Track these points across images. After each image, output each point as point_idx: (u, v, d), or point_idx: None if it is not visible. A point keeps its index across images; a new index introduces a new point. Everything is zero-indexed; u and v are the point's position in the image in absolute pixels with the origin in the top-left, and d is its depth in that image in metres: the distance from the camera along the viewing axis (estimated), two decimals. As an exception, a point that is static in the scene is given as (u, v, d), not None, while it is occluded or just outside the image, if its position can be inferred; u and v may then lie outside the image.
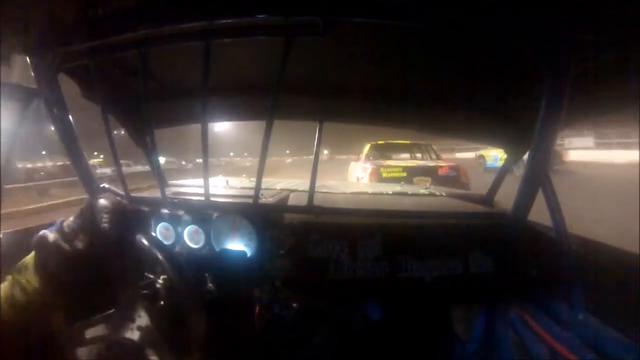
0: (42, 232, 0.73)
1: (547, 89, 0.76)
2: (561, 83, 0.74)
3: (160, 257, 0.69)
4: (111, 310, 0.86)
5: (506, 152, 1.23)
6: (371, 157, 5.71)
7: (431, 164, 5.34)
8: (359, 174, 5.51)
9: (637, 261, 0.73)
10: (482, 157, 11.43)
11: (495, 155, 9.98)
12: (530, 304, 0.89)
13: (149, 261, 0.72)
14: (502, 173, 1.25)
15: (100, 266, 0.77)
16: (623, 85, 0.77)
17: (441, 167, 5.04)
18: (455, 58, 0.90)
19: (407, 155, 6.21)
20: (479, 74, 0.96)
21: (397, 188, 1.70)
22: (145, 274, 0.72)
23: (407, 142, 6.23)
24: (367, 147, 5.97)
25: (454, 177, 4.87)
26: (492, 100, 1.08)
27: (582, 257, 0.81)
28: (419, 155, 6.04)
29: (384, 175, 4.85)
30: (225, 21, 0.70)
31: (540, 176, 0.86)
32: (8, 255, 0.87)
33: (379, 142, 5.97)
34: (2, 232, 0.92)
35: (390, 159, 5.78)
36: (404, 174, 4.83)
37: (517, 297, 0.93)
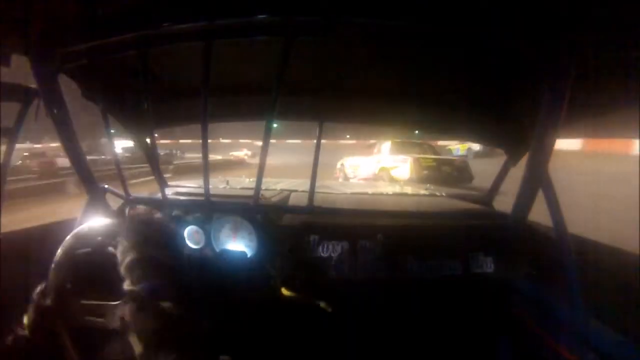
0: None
1: (547, 89, 0.76)
2: (561, 83, 0.74)
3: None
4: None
5: (506, 152, 1.23)
6: (395, 152, 6.87)
7: (448, 157, 7.26)
8: (387, 163, 6.74)
9: (637, 261, 0.73)
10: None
11: (456, 148, 15.05)
12: (531, 304, 0.89)
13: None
14: (502, 174, 1.24)
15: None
16: (623, 85, 0.77)
17: (455, 159, 6.95)
18: (455, 58, 0.90)
19: (418, 150, 7.20)
20: (479, 74, 0.96)
21: (397, 188, 1.70)
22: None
23: (418, 140, 7.62)
24: (389, 144, 7.09)
25: (464, 166, 6.71)
26: (492, 100, 1.08)
27: (582, 257, 0.81)
28: (429, 151, 7.27)
29: (423, 164, 6.23)
30: (225, 21, 0.70)
31: (540, 176, 0.86)
32: (8, 255, 0.87)
33: (396, 140, 7.21)
34: (1, 232, 0.92)
35: (410, 153, 6.80)
36: (434, 164, 6.35)
37: (518, 297, 0.93)
